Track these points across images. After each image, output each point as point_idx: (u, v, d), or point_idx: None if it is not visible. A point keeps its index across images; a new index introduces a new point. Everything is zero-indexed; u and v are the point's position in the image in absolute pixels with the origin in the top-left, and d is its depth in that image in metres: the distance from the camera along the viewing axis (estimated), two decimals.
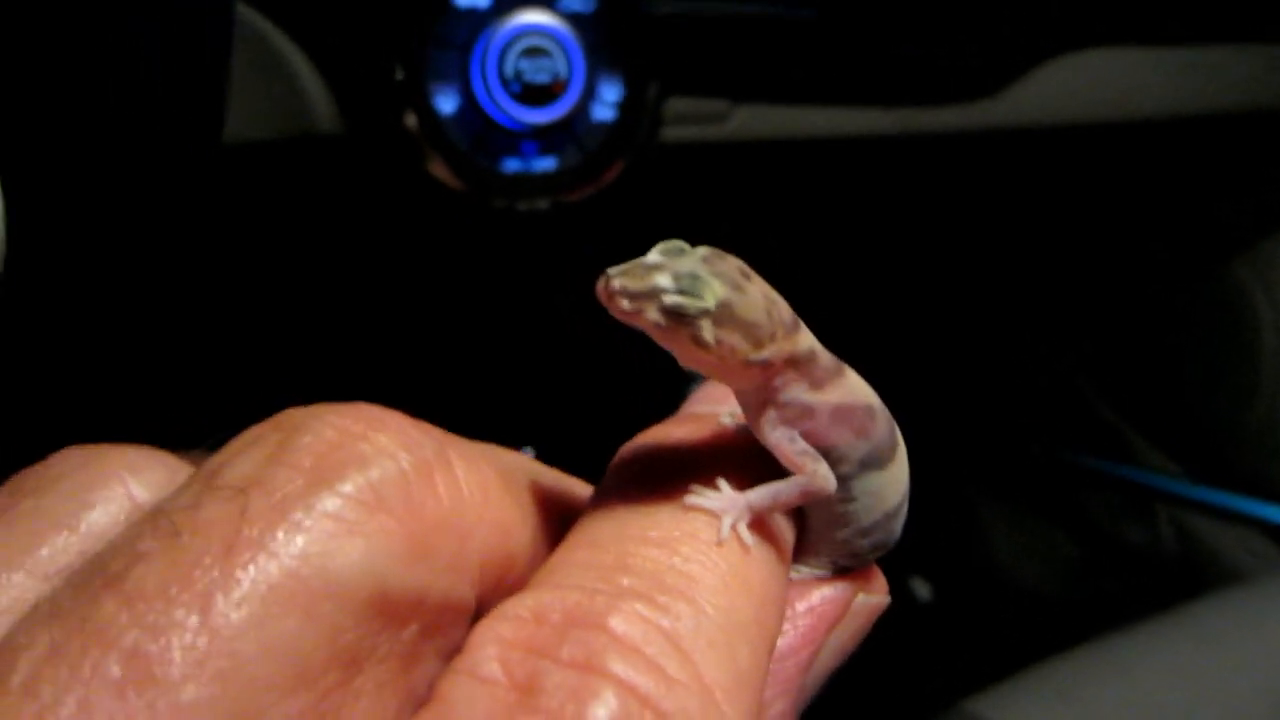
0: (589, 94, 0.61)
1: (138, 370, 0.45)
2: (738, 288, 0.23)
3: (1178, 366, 0.94)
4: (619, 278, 0.22)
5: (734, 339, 0.23)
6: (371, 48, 0.59)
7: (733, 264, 0.23)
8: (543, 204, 0.62)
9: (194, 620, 0.16)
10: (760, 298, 0.23)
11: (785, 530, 0.24)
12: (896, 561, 0.28)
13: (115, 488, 0.20)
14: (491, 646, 0.19)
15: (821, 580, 0.25)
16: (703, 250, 0.23)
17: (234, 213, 0.59)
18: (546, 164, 0.61)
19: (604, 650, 0.18)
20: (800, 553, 0.25)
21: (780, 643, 0.23)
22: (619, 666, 0.18)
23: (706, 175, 0.73)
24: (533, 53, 0.58)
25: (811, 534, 0.25)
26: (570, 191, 0.62)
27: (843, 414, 0.24)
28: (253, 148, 0.57)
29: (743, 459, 0.24)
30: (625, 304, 0.22)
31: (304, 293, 0.70)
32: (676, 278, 0.22)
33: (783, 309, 0.24)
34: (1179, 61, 0.73)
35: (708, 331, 0.22)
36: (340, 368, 0.71)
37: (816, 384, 0.24)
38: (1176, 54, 0.73)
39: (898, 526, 0.26)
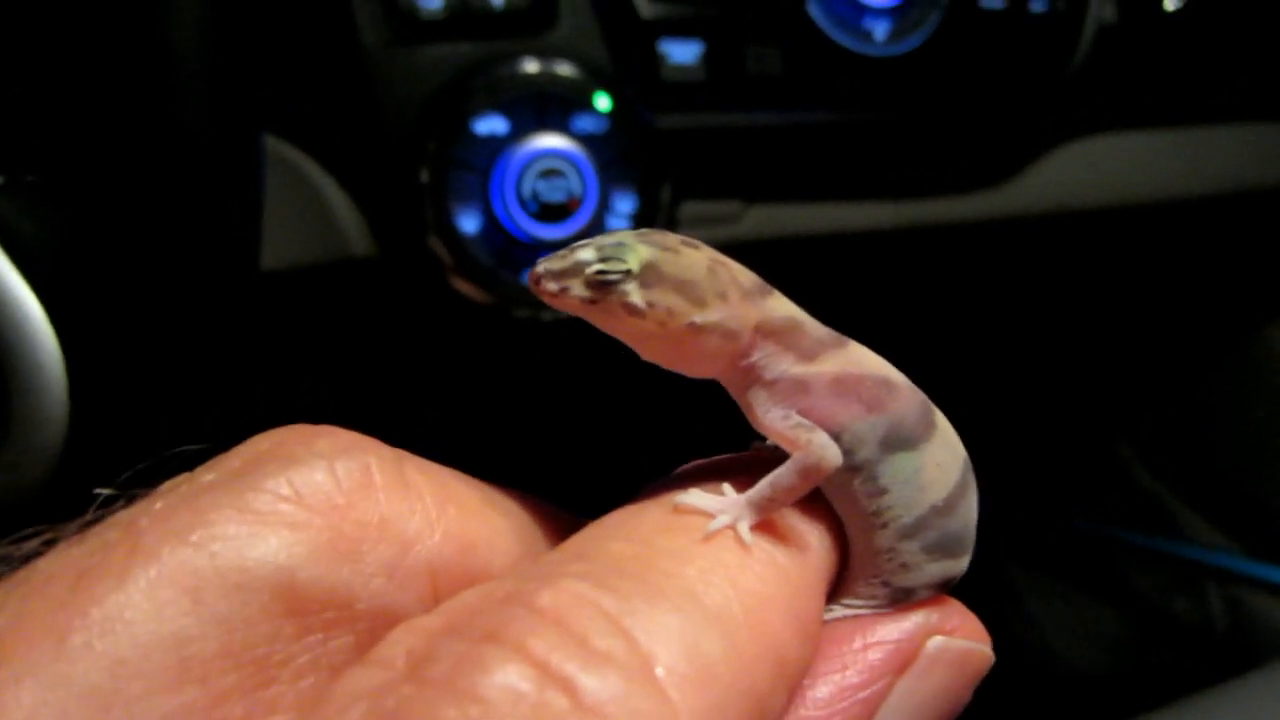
0: (603, 207, 0.64)
1: None
2: (669, 249, 0.21)
3: (1226, 439, 0.93)
4: (544, 262, 0.21)
5: (668, 299, 0.21)
6: (399, 175, 0.63)
7: (672, 236, 0.22)
8: (564, 313, 0.65)
9: (67, 599, 0.15)
10: (702, 259, 0.21)
11: (810, 536, 0.21)
12: None
13: None
14: (404, 634, 0.16)
15: (884, 614, 0.22)
16: (642, 229, 0.22)
17: (277, 335, 0.63)
18: None
19: (515, 621, 0.16)
20: (845, 579, 0.22)
21: (836, 680, 0.20)
22: (524, 633, 0.15)
23: None
24: (548, 174, 0.62)
25: (852, 547, 0.22)
26: None
27: (845, 385, 0.22)
28: (294, 274, 0.61)
29: (756, 470, 0.21)
30: (551, 286, 0.21)
31: (342, 407, 0.74)
32: (599, 249, 0.21)
33: (737, 272, 0.22)
34: (1186, 143, 0.74)
35: (636, 295, 0.21)
36: None
37: (806, 355, 0.22)
38: (1183, 135, 0.74)
39: (957, 528, 0.22)
